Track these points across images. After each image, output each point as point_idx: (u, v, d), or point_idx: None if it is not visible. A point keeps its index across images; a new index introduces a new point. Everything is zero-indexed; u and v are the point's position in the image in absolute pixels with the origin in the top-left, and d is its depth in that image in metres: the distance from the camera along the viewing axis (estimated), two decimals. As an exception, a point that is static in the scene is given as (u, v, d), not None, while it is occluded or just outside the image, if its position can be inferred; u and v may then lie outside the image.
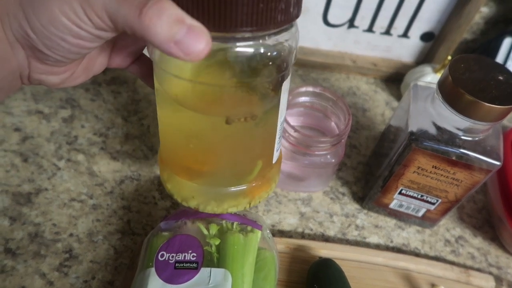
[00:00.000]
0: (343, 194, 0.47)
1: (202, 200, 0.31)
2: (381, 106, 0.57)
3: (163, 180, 0.34)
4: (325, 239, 0.43)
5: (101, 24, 0.21)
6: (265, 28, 0.22)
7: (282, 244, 0.39)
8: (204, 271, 0.29)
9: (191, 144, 0.29)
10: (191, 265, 0.29)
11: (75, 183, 0.43)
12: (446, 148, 0.35)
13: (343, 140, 0.41)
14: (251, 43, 0.23)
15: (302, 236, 0.43)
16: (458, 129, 0.35)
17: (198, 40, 0.20)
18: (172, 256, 0.29)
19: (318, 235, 0.43)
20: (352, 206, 0.46)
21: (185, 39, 0.19)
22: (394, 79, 0.60)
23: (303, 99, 0.44)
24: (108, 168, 0.45)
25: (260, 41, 0.23)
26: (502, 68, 0.35)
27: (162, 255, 0.30)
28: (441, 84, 0.35)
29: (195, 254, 0.29)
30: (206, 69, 0.25)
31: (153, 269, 0.29)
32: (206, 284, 0.28)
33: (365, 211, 0.46)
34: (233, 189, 0.31)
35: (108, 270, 0.37)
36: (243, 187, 0.31)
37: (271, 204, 0.44)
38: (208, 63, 0.24)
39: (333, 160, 0.42)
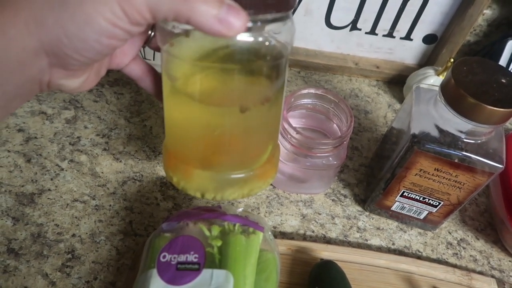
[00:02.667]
0: (345, 196, 0.47)
1: (218, 189, 0.32)
2: (383, 108, 0.57)
3: (171, 175, 0.33)
4: (327, 241, 0.43)
5: (139, 19, 0.22)
6: (283, 8, 0.25)
7: (283, 246, 0.39)
8: (206, 272, 0.29)
9: (206, 136, 0.30)
10: (193, 266, 0.29)
11: (78, 184, 0.43)
12: (448, 151, 0.35)
13: (345, 142, 0.41)
14: (261, 27, 0.25)
15: (304, 238, 0.43)
16: (461, 131, 0.35)
17: (238, 16, 0.22)
18: (174, 257, 0.30)
19: (319, 237, 0.43)
20: (354, 208, 0.46)
21: (227, 17, 0.21)
22: (397, 81, 0.60)
23: (305, 101, 0.44)
24: (110, 169, 0.45)
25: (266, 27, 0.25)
26: (505, 71, 0.35)
27: (164, 256, 0.30)
28: (444, 87, 0.35)
29: (197, 256, 0.30)
30: (220, 57, 0.26)
31: (155, 270, 0.29)
32: (208, 285, 0.28)
33: (367, 213, 0.46)
34: (246, 174, 0.32)
35: (110, 271, 0.38)
36: (257, 171, 0.32)
37: (273, 205, 0.45)
38: (220, 52, 0.26)
39: (335, 162, 0.42)
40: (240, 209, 0.35)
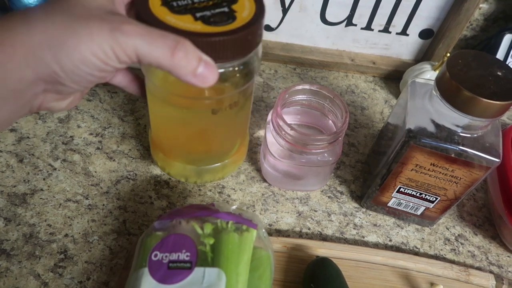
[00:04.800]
0: (341, 193, 0.46)
1: (198, 175, 0.42)
2: (380, 104, 0.57)
3: (157, 162, 0.43)
4: (323, 238, 0.42)
5: (127, 61, 0.24)
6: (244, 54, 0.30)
7: (279, 244, 0.39)
8: (198, 270, 0.28)
9: (183, 134, 0.38)
10: (185, 264, 0.29)
11: (70, 184, 0.42)
12: (444, 145, 0.34)
13: (340, 138, 0.40)
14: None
15: (300, 235, 0.42)
16: (457, 126, 0.35)
17: (211, 72, 0.26)
18: (166, 256, 0.29)
19: (315, 234, 0.42)
20: (350, 205, 0.45)
21: (203, 72, 0.25)
22: (393, 77, 0.60)
23: (299, 97, 0.43)
24: (104, 168, 0.44)
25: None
26: (500, 63, 0.34)
27: (156, 255, 0.29)
28: (439, 80, 0.34)
29: (189, 254, 0.29)
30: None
31: (146, 269, 0.29)
32: (200, 284, 0.28)
33: (364, 209, 0.45)
34: (221, 163, 0.42)
35: (103, 271, 0.37)
36: (229, 160, 0.42)
37: (268, 203, 0.44)
38: None
39: (331, 158, 0.41)
40: (234, 207, 0.35)
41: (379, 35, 0.57)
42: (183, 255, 0.29)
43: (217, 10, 0.29)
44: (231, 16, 0.28)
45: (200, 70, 0.25)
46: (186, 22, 0.27)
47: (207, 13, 0.28)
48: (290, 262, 0.38)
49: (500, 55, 0.55)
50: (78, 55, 0.23)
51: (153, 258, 0.29)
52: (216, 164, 0.42)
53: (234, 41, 0.28)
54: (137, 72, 0.34)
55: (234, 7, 0.29)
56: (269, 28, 0.57)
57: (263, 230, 0.34)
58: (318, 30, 0.57)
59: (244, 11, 0.29)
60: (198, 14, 0.28)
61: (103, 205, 0.41)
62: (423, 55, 0.59)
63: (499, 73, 0.33)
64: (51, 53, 0.23)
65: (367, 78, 0.60)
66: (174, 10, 0.28)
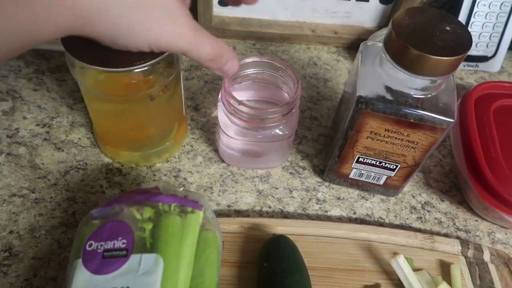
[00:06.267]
0: (304, 168, 0.45)
1: (145, 160, 0.42)
2: (343, 75, 0.55)
3: (105, 153, 0.43)
4: (284, 216, 0.41)
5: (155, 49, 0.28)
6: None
7: (235, 224, 0.37)
8: (134, 258, 0.27)
9: (126, 125, 0.40)
10: (121, 253, 0.27)
11: (16, 178, 0.40)
12: (395, 109, 0.33)
13: (294, 110, 0.39)
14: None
15: (260, 214, 0.41)
16: (409, 87, 0.33)
17: (234, 67, 0.32)
18: (101, 245, 0.27)
19: (276, 212, 0.41)
20: (313, 180, 0.44)
21: (228, 69, 0.32)
22: (357, 47, 0.57)
23: (250, 71, 0.41)
24: (52, 160, 0.42)
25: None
26: (449, 17, 0.32)
27: (91, 245, 0.27)
28: (386, 41, 0.33)
29: (125, 241, 0.27)
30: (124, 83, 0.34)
31: (80, 261, 0.27)
32: (136, 272, 0.26)
33: (327, 183, 0.44)
34: (164, 145, 0.42)
35: (52, 266, 0.35)
36: (171, 141, 0.43)
37: (227, 184, 0.42)
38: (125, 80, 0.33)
39: (287, 132, 0.40)
40: (181, 189, 0.33)
41: (339, 3, 0.55)
42: (119, 243, 0.27)
43: None
44: None
45: (226, 68, 0.30)
46: None
47: None
48: (246, 242, 0.36)
49: (462, 15, 0.53)
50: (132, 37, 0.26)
51: (87, 248, 0.27)
52: (161, 147, 0.42)
53: None
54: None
55: None
56: (223, 3, 0.55)
57: (210, 211, 0.32)
58: (276, 2, 0.54)
59: None
60: None
61: (51, 197, 0.39)
62: (386, 21, 0.57)
63: (448, 28, 0.31)
64: (105, 30, 0.25)
65: (329, 49, 0.58)
66: None
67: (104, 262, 0.26)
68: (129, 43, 0.26)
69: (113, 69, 0.32)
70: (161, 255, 0.27)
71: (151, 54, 0.31)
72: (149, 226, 0.28)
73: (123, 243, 0.27)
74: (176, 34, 0.26)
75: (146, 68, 0.33)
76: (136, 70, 0.32)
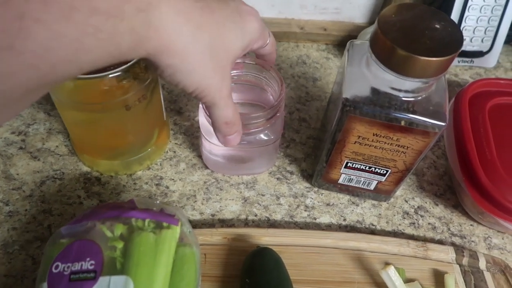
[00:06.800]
0: (291, 173, 0.43)
1: (126, 168, 0.40)
2: (333, 74, 0.53)
3: (84, 162, 0.41)
4: (271, 224, 0.39)
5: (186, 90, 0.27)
6: None
7: (218, 236, 0.36)
8: (102, 280, 0.25)
9: (102, 134, 0.38)
10: (88, 275, 0.25)
11: (-12, 190, 0.38)
12: (383, 112, 0.31)
13: (278, 114, 0.37)
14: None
15: (246, 223, 0.39)
16: (397, 90, 0.31)
17: (236, 140, 0.32)
18: (68, 267, 0.25)
19: (263, 220, 0.39)
20: (301, 185, 0.42)
21: (231, 139, 0.32)
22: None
23: (233, 72, 0.39)
24: (27, 169, 0.40)
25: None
26: (438, 14, 0.30)
27: (57, 267, 0.26)
28: (372, 40, 0.31)
29: (93, 262, 0.26)
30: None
31: (45, 284, 0.25)
32: (105, 296, 0.24)
33: (315, 189, 0.42)
34: (144, 152, 0.40)
35: (25, 284, 0.34)
36: (152, 147, 0.41)
37: (211, 191, 0.40)
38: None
39: (272, 137, 0.38)
40: (157, 201, 0.31)
41: (328, -1, 0.53)
42: (87, 264, 0.25)
43: None
44: None
45: (231, 137, 0.31)
46: None
47: None
48: (230, 254, 0.35)
49: (455, 13, 0.51)
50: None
51: (53, 270, 0.26)
52: (141, 154, 0.40)
53: None
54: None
55: None
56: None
57: (188, 225, 0.30)
58: (262, -2, 0.52)
59: None
60: None
61: (26, 210, 0.38)
62: (377, 17, 0.54)
63: (438, 26, 0.29)
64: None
65: (319, 46, 0.56)
66: None
67: (70, 286, 0.25)
68: (183, 80, 0.25)
69: (84, 76, 0.30)
70: (131, 277, 0.25)
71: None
72: (119, 245, 0.26)
73: (91, 264, 0.25)
74: (219, 87, 0.27)
75: (119, 73, 0.31)
76: (110, 76, 0.31)
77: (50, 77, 0.18)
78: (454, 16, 0.51)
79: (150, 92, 0.36)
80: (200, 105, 0.38)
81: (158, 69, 0.24)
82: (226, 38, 0.27)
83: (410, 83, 0.30)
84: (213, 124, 0.31)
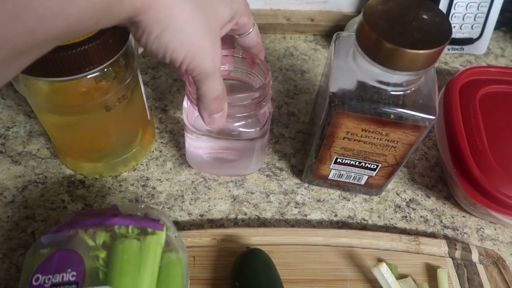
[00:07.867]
0: (281, 169, 0.42)
1: (110, 170, 0.39)
2: (322, 65, 0.52)
3: (67, 166, 0.40)
4: (261, 222, 0.38)
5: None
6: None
7: (207, 237, 0.35)
8: (84, 292, 0.24)
9: (83, 137, 0.36)
10: (70, 287, 0.24)
11: (-32, 197, 0.37)
12: (372, 108, 0.30)
13: (264, 102, 0.35)
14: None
15: (235, 222, 0.38)
16: (385, 83, 0.30)
17: (221, 120, 0.30)
18: (49, 279, 0.25)
19: (253, 219, 0.38)
20: (291, 182, 0.41)
21: (215, 118, 0.30)
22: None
23: (222, 67, 0.38)
24: (8, 174, 0.39)
25: None
26: (427, 5, 0.29)
27: (37, 279, 0.25)
28: (358, 32, 0.30)
29: (74, 273, 0.25)
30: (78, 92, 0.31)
31: (25, 298, 0.24)
32: (87, 308, 0.23)
33: (306, 185, 0.41)
34: (129, 153, 0.39)
35: (9, 293, 0.33)
36: (137, 148, 0.40)
37: (199, 191, 0.40)
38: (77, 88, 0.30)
39: (258, 128, 0.36)
40: (142, 205, 0.30)
41: (315, -12, 0.52)
42: (68, 276, 0.24)
43: None
44: None
45: (218, 115, 0.30)
46: None
47: None
48: (219, 256, 0.34)
49: (443, 3, 0.50)
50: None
51: (34, 283, 0.25)
52: (126, 155, 0.39)
53: (99, 47, 0.28)
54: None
55: None
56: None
57: (173, 229, 0.29)
58: (246, -11, 0.51)
59: None
60: None
61: (8, 217, 0.36)
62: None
63: (424, 16, 0.28)
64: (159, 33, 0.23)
65: (307, 37, 0.55)
66: None
67: (52, 299, 0.24)
68: (172, 41, 0.23)
69: (61, 78, 0.29)
70: (115, 287, 0.24)
71: (99, 59, 0.29)
72: (102, 254, 0.25)
73: (72, 276, 0.24)
74: (212, 53, 0.25)
75: (97, 73, 0.30)
76: (88, 77, 0.29)
77: (38, 33, 0.17)
78: (443, 2, 0.50)
79: (131, 91, 0.34)
80: (185, 99, 0.37)
81: (144, 32, 0.23)
82: (214, 0, 0.26)
83: (398, 77, 0.29)
84: (201, 101, 0.28)
